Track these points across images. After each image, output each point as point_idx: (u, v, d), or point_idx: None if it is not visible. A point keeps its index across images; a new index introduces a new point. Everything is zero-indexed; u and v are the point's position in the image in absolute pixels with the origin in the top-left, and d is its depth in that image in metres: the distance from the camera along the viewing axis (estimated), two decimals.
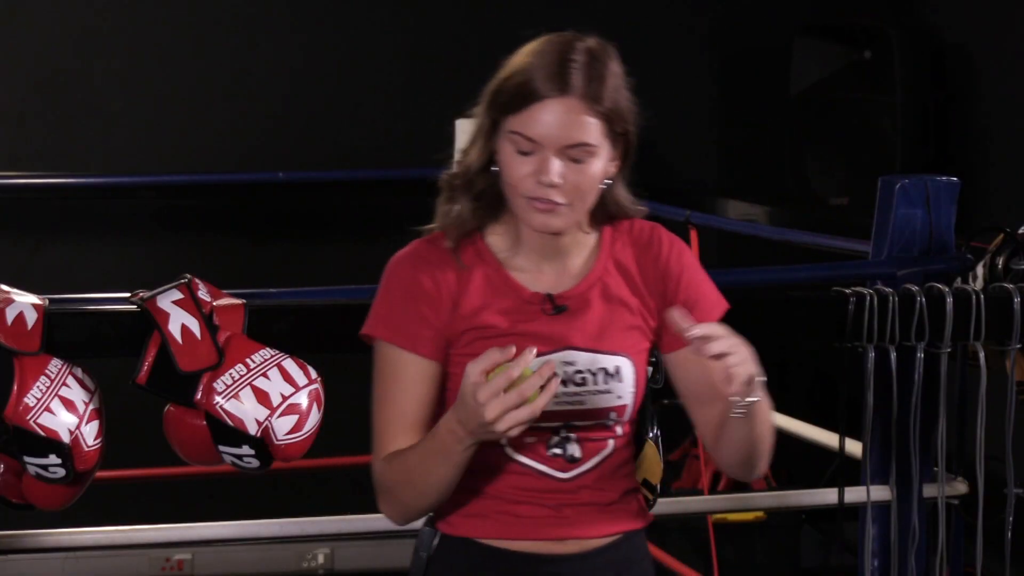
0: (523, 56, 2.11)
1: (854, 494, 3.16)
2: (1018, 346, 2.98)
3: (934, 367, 3.07)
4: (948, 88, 5.44)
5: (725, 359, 2.02)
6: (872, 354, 3.00)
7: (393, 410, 2.15)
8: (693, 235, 4.47)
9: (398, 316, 2.15)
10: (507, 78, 2.10)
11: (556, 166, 2.07)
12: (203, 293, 2.45)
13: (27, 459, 2.36)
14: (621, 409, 2.18)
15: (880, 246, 3.29)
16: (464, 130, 2.23)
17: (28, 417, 2.32)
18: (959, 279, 3.19)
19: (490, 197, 2.17)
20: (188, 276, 2.46)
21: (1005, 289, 3.00)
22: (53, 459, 2.34)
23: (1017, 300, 2.95)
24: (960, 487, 3.26)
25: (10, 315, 2.35)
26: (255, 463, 2.41)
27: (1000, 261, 3.14)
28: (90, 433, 2.37)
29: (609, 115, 2.10)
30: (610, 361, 2.16)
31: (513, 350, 1.98)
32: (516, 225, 2.17)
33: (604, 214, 2.21)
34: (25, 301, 2.38)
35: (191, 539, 3.11)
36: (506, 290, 2.16)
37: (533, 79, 2.07)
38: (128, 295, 2.48)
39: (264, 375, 2.38)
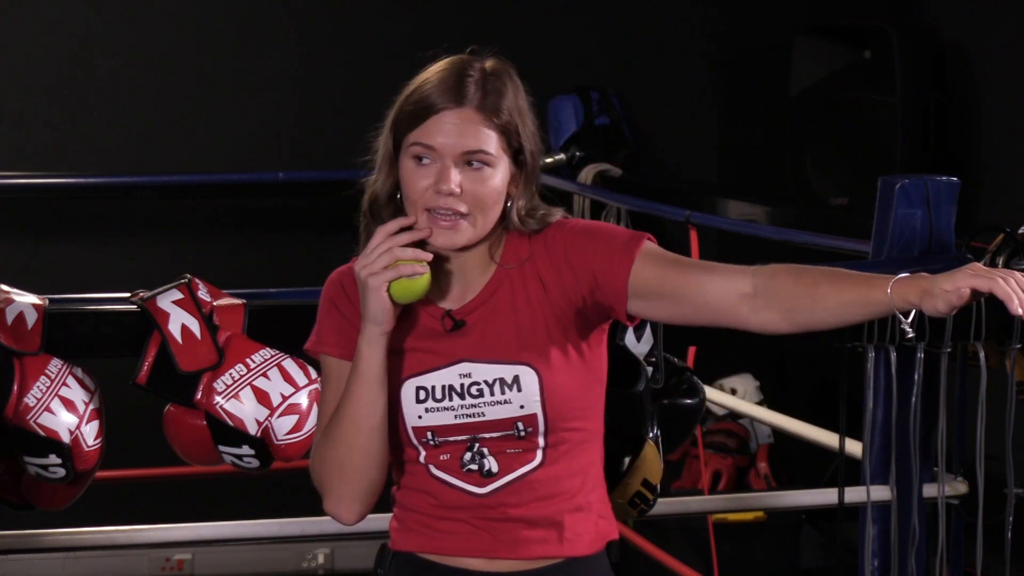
0: (421, 77, 2.17)
1: (854, 494, 3.16)
2: (1018, 346, 2.98)
3: (934, 367, 3.07)
4: (948, 88, 5.44)
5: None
6: (872, 354, 3.00)
7: (325, 412, 2.18)
8: (693, 235, 4.47)
9: (323, 326, 2.19)
10: (407, 98, 2.17)
11: (454, 174, 2.12)
12: (203, 293, 2.45)
13: (27, 459, 2.36)
14: (528, 419, 2.16)
15: (880, 246, 3.29)
16: None
17: (28, 417, 2.32)
18: None
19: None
20: (188, 276, 2.46)
21: None
22: (53, 459, 2.34)
23: None
24: (960, 487, 3.26)
25: (10, 315, 2.35)
26: (255, 463, 2.41)
27: (1000, 261, 3.14)
28: (90, 433, 2.37)
29: (506, 128, 2.14)
30: (508, 371, 2.16)
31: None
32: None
33: (513, 229, 2.20)
34: (25, 301, 2.38)
35: (191, 539, 3.11)
36: (410, 307, 2.17)
37: (431, 94, 2.14)
38: (128, 295, 2.48)
39: (264, 375, 2.39)
